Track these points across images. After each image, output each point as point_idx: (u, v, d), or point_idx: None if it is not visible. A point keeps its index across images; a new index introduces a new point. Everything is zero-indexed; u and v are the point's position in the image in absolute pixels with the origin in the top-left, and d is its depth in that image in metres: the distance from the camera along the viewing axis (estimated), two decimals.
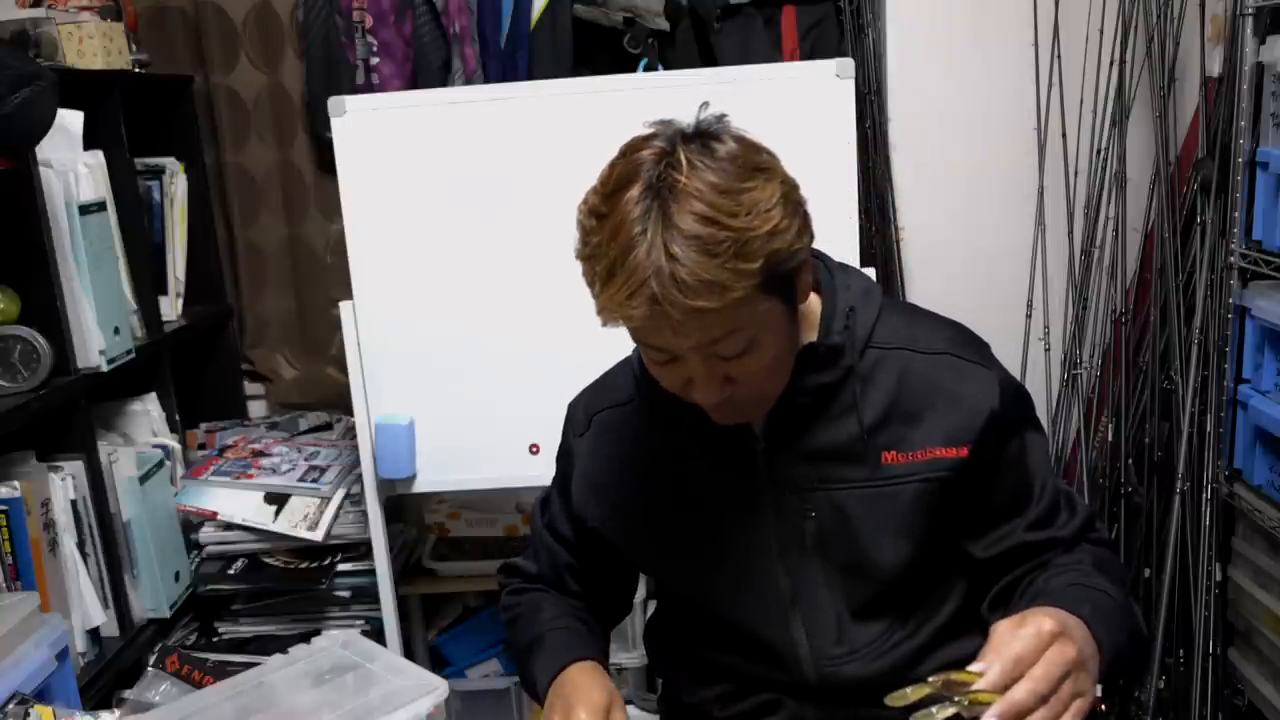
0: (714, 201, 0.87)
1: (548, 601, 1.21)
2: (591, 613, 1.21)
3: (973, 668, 0.84)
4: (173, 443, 2.07)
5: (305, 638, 1.71)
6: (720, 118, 0.94)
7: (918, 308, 1.13)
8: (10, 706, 1.34)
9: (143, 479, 1.87)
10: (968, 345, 1.08)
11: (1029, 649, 0.83)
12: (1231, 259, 1.75)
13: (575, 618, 1.18)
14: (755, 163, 0.92)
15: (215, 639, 2.05)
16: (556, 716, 1.04)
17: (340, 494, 2.03)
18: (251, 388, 2.51)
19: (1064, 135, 2.09)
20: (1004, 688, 0.82)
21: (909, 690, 0.84)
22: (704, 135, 0.92)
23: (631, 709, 2.03)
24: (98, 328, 1.77)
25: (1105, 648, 0.90)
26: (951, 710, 0.81)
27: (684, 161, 0.89)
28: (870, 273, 1.65)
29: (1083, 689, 0.85)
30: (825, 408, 1.04)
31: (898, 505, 1.04)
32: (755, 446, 1.06)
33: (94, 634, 1.77)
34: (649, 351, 0.97)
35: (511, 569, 1.29)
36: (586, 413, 1.18)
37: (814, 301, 1.06)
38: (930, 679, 0.84)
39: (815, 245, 1.00)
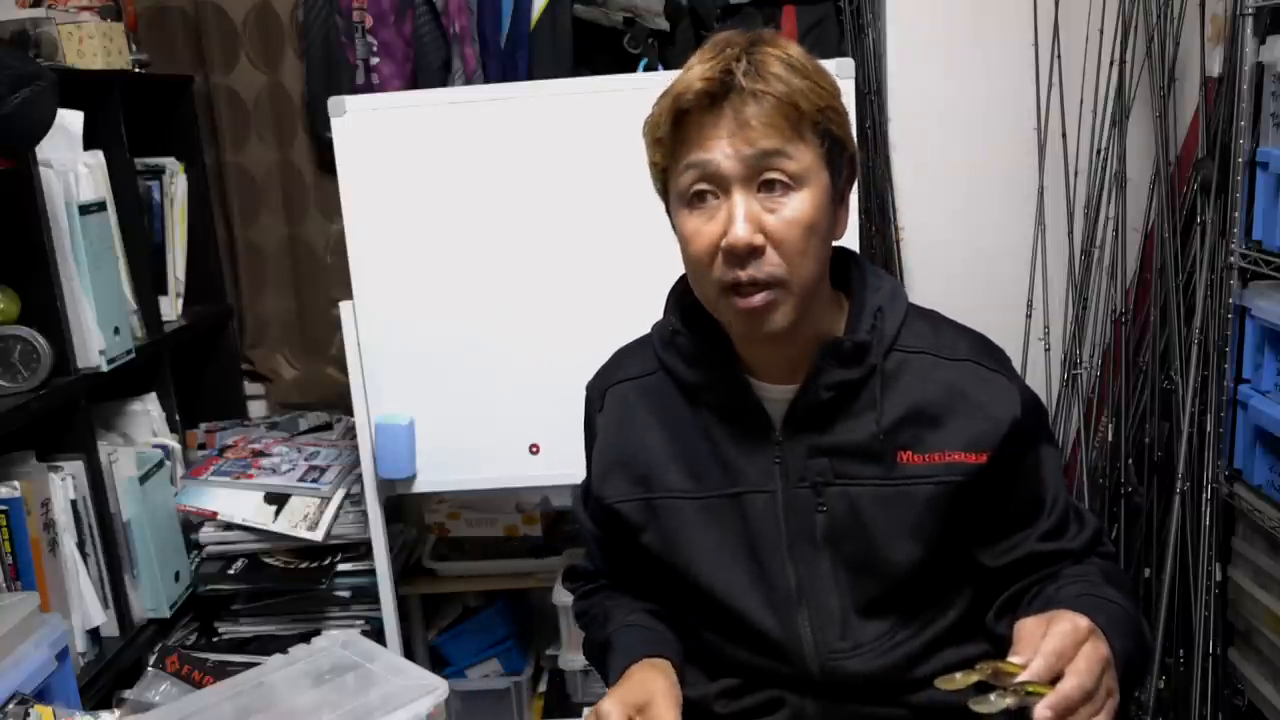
0: (796, 56, 0.98)
1: (616, 603, 1.21)
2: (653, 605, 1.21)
3: (1013, 659, 0.85)
4: (173, 443, 2.07)
5: (305, 638, 1.72)
6: None
7: (941, 315, 1.14)
8: (10, 706, 1.34)
9: (143, 479, 1.87)
10: (990, 354, 1.09)
11: (1068, 644, 0.84)
12: (1231, 259, 1.75)
13: (646, 612, 1.18)
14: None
15: (215, 639, 2.05)
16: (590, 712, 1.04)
17: (340, 494, 2.03)
18: (251, 388, 2.52)
19: (1064, 135, 2.09)
20: (1049, 680, 0.83)
21: (958, 675, 0.86)
22: None
23: None
24: (98, 328, 1.78)
25: (1118, 655, 0.90)
26: (1009, 700, 0.83)
27: (771, 33, 1.00)
28: None
29: (1113, 688, 0.87)
30: (846, 404, 1.05)
31: (911, 505, 1.04)
32: (772, 436, 1.07)
33: (94, 634, 1.77)
34: (693, 177, 0.99)
35: (573, 573, 1.30)
36: (600, 389, 1.19)
37: (843, 299, 1.09)
38: (979, 666, 0.85)
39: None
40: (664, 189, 1.05)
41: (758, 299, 0.98)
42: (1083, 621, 0.86)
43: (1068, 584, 1.04)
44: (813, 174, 0.98)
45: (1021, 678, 0.83)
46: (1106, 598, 1.00)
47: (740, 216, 0.96)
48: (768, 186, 0.97)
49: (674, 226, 1.05)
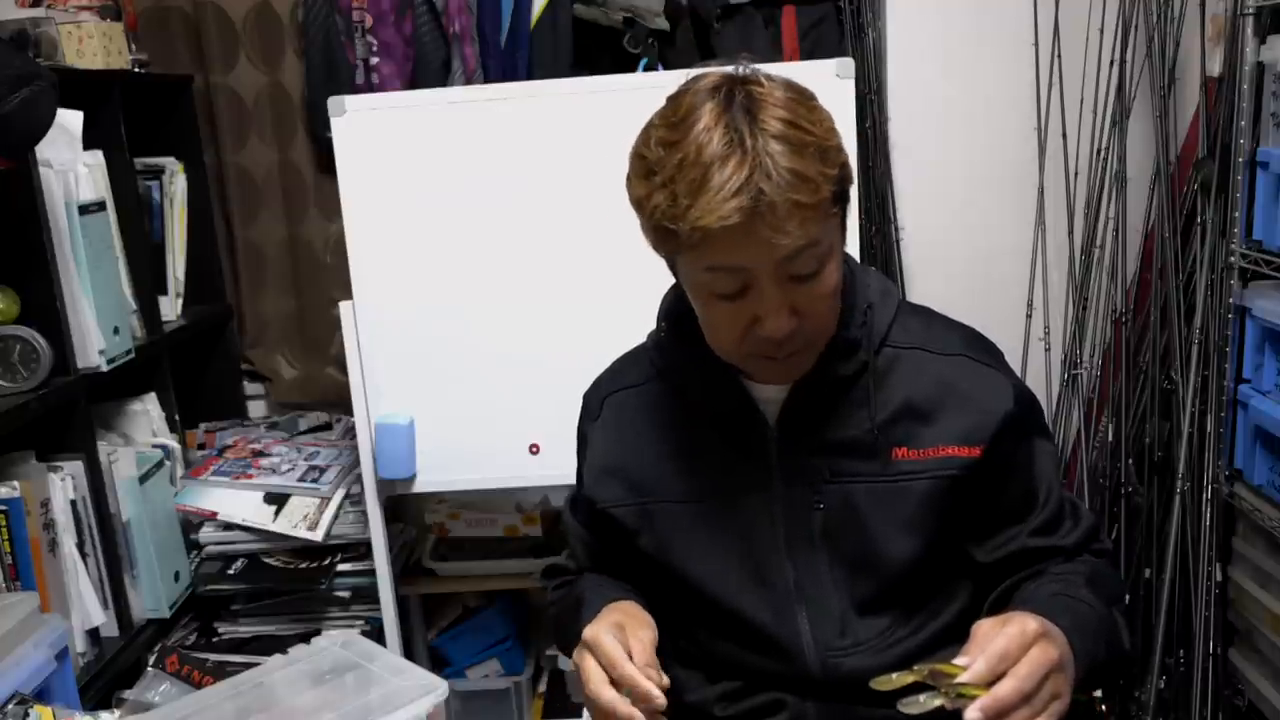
0: (793, 109, 0.91)
1: (586, 578, 1.21)
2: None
3: (958, 661, 0.85)
4: (172, 443, 2.07)
5: (305, 638, 1.72)
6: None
7: (933, 311, 1.14)
8: (10, 706, 1.34)
9: (142, 479, 1.87)
10: (982, 349, 1.10)
11: (1013, 647, 0.84)
12: (1231, 259, 1.74)
13: (614, 582, 1.18)
14: (808, 91, 0.96)
15: (215, 639, 2.05)
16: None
17: (340, 494, 2.03)
18: (251, 388, 2.51)
19: (1064, 135, 2.09)
20: (988, 683, 0.83)
21: (894, 676, 0.86)
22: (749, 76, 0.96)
23: None
24: (97, 328, 1.77)
25: (1079, 657, 0.91)
26: (939, 701, 0.83)
27: (757, 77, 0.93)
28: None
29: (1060, 691, 0.86)
30: (839, 402, 1.05)
31: (907, 501, 1.04)
32: (768, 435, 1.07)
33: (94, 634, 1.77)
34: (720, 279, 0.94)
35: (553, 570, 1.30)
36: (599, 397, 1.19)
37: None
38: (916, 667, 0.85)
39: None
40: (661, 251, 0.99)
41: (790, 361, 1.00)
42: (1032, 625, 0.86)
43: (1046, 583, 1.04)
44: (835, 243, 0.96)
45: (960, 679, 0.83)
46: (1079, 599, 0.99)
47: (775, 310, 0.94)
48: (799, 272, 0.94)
49: (674, 274, 1.03)
